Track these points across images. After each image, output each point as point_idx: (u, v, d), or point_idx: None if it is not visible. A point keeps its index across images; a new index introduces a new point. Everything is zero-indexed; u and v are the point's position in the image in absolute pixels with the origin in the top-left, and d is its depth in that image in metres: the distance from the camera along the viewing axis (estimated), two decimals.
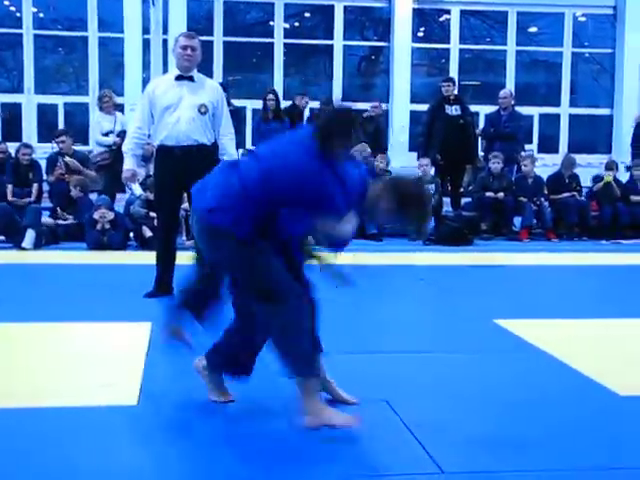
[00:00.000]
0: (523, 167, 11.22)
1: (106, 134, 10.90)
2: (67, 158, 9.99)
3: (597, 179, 12.05)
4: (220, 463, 2.90)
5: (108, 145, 10.86)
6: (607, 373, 4.38)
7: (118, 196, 10.80)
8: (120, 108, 11.09)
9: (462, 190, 12.04)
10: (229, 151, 6.36)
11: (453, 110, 11.65)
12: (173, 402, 3.62)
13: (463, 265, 8.64)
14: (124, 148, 6.51)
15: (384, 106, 12.58)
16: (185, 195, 6.42)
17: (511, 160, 11.42)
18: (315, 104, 12.25)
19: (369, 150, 10.93)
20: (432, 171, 11.08)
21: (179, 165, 6.11)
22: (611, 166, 11.60)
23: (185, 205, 7.49)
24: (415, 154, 13.35)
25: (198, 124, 6.16)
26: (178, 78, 6.23)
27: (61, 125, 15.91)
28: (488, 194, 10.88)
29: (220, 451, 3.00)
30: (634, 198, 11.18)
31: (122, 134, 10.57)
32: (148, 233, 8.87)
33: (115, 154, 10.84)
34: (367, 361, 4.48)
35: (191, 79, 6.24)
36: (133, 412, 3.65)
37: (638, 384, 4.26)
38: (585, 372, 4.40)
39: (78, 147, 10.90)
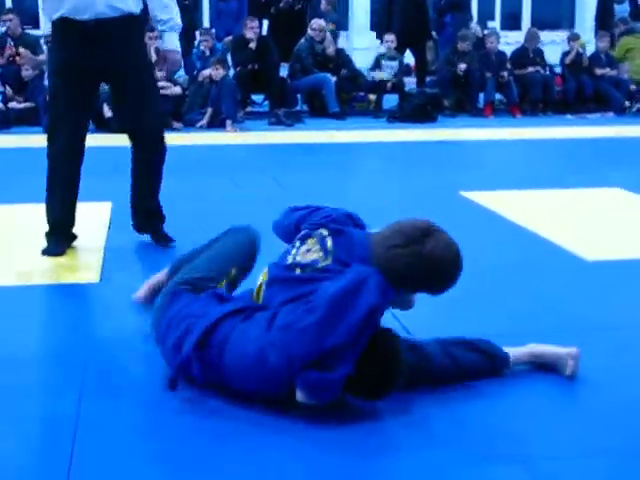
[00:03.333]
0: (488, 44, 11.02)
1: None
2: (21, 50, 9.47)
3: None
4: None
5: None
6: (574, 240, 4.39)
7: None
8: None
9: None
10: (170, 17, 4.13)
11: None
12: (135, 279, 3.53)
13: (427, 141, 8.54)
14: None
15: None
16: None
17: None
18: None
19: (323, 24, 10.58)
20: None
21: (94, 49, 3.96)
22: (574, 38, 11.43)
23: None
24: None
25: None
26: None
27: (9, 4, 15.23)
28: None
29: None
30: (599, 71, 11.06)
31: None
32: (108, 113, 8.53)
33: None
34: None
35: None
36: (95, 289, 3.60)
37: (603, 249, 4.30)
38: (553, 240, 4.40)
39: (30, 30, 10.42)
